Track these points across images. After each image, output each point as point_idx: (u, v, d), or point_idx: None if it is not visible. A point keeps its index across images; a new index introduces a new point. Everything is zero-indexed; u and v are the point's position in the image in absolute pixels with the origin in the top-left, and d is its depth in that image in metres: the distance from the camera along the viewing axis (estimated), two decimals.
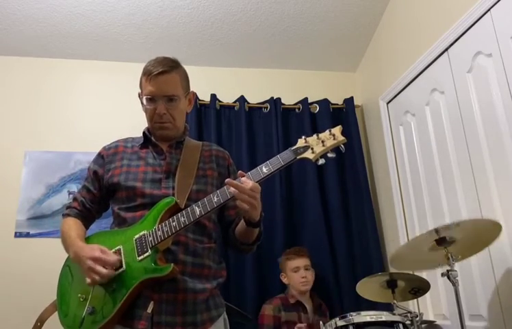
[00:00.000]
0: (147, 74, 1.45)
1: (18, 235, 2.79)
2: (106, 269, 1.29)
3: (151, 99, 1.45)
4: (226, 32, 3.09)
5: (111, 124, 3.00)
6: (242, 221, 1.41)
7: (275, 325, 2.43)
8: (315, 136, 1.31)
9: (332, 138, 1.30)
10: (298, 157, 1.30)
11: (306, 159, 1.29)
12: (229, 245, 1.56)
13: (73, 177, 2.93)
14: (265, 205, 2.86)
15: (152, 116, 1.48)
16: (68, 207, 1.55)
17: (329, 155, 1.30)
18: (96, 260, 1.29)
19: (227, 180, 1.28)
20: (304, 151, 1.29)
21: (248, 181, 1.26)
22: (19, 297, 2.62)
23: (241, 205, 1.27)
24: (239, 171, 1.31)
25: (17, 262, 2.71)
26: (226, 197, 1.29)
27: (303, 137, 1.32)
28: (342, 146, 1.32)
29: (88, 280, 1.31)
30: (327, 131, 1.31)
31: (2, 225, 2.78)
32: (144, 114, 1.52)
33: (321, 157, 1.30)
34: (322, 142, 1.29)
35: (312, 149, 1.29)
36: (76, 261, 1.37)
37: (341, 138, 1.31)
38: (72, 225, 1.47)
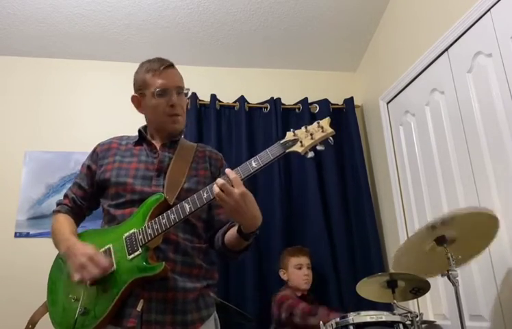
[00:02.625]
0: (154, 70, 1.47)
1: (18, 235, 2.80)
2: (97, 270, 1.27)
3: (163, 92, 1.46)
4: (226, 32, 3.09)
5: (111, 124, 2.99)
6: (235, 227, 1.38)
7: (297, 303, 2.40)
8: (303, 128, 1.29)
9: (320, 131, 1.28)
10: (287, 150, 1.28)
11: (295, 152, 1.28)
12: (214, 247, 1.52)
13: (73, 177, 2.90)
14: (265, 205, 2.90)
15: (164, 109, 1.47)
16: (59, 203, 1.54)
17: (318, 148, 1.28)
18: (91, 258, 1.27)
19: (217, 180, 1.25)
20: (293, 145, 1.28)
21: (239, 185, 1.23)
22: (19, 297, 2.62)
23: (223, 206, 1.25)
24: (227, 169, 1.27)
25: (17, 262, 2.72)
26: (214, 193, 1.26)
27: (292, 130, 1.30)
28: (331, 138, 1.29)
29: (77, 276, 1.28)
30: (315, 124, 1.29)
31: (2, 225, 2.78)
32: (149, 111, 1.51)
33: (310, 150, 1.28)
34: (311, 135, 1.27)
35: (301, 142, 1.27)
36: (68, 256, 1.34)
37: (329, 130, 1.28)
38: (64, 222, 1.47)
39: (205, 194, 1.29)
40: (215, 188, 1.23)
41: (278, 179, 2.98)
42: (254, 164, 1.27)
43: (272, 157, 1.27)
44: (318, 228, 2.94)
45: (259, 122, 3.19)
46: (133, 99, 1.54)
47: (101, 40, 3.05)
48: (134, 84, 1.54)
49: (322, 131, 1.28)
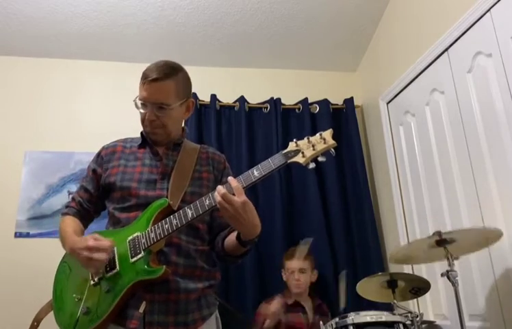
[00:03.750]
0: (143, 78, 1.45)
1: (18, 235, 2.80)
2: (103, 254, 1.29)
3: (143, 104, 1.46)
4: (226, 32, 3.09)
5: (111, 124, 3.00)
6: (235, 233, 1.40)
7: (275, 325, 2.43)
8: (305, 139, 1.32)
9: (322, 142, 1.31)
10: (288, 161, 1.31)
11: (296, 163, 1.30)
12: (214, 251, 1.54)
13: (73, 177, 2.93)
14: (265, 205, 2.90)
15: (143, 120, 1.49)
16: (67, 206, 1.56)
17: (319, 159, 1.31)
18: (91, 248, 1.29)
19: (219, 188, 1.26)
20: (295, 155, 1.30)
21: (240, 194, 1.25)
22: (19, 297, 2.62)
23: (223, 214, 1.27)
24: (229, 177, 1.30)
25: (17, 262, 2.71)
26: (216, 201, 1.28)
27: (294, 140, 1.33)
28: (333, 150, 1.32)
29: (91, 270, 1.33)
30: (318, 135, 1.32)
31: (2, 225, 2.78)
32: None
33: (311, 161, 1.30)
34: (313, 146, 1.30)
35: (303, 153, 1.30)
36: (72, 255, 1.38)
37: (331, 142, 1.31)
38: (70, 223, 1.48)
39: (207, 201, 1.31)
40: (217, 196, 1.25)
41: (279, 179, 2.98)
42: (256, 173, 1.30)
43: (274, 167, 1.30)
44: (318, 228, 2.93)
45: (259, 122, 3.19)
46: None
47: (101, 40, 3.05)
48: None
49: (324, 143, 1.31)
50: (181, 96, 1.50)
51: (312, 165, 1.30)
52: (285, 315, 2.46)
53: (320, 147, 1.30)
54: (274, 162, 1.30)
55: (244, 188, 1.27)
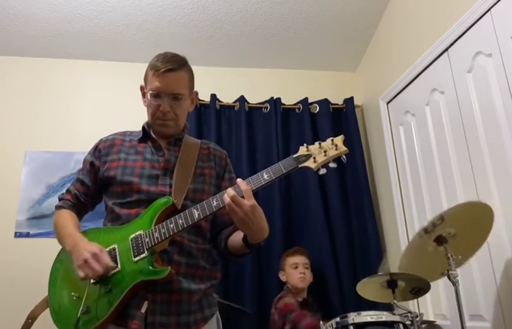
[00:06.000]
0: (155, 69, 1.42)
1: (18, 235, 2.80)
2: (100, 267, 1.26)
3: (156, 95, 1.43)
4: (226, 32, 3.09)
5: (111, 124, 2.97)
6: (240, 233, 1.38)
7: (302, 317, 2.42)
8: (317, 144, 1.30)
9: (334, 148, 1.29)
10: (299, 165, 1.29)
11: (307, 168, 1.29)
12: (216, 247, 1.52)
13: (73, 177, 2.90)
14: (265, 205, 2.88)
15: (155, 112, 1.46)
16: (61, 198, 1.52)
17: (331, 165, 1.29)
18: (94, 255, 1.27)
19: (228, 190, 1.25)
20: (306, 160, 1.29)
21: (250, 197, 1.23)
22: (19, 298, 2.62)
23: (232, 216, 1.26)
24: (238, 179, 1.28)
25: (17, 262, 2.71)
26: (225, 203, 1.26)
27: (305, 145, 1.31)
28: (344, 156, 1.31)
29: (81, 273, 1.28)
30: (329, 141, 1.30)
31: (2, 225, 2.78)
32: (146, 108, 1.50)
33: (322, 166, 1.29)
34: (325, 151, 1.28)
35: (314, 158, 1.28)
36: (72, 251, 1.33)
37: (343, 148, 1.30)
38: (68, 217, 1.45)
39: (214, 202, 1.29)
40: (226, 198, 1.23)
41: (279, 179, 2.97)
42: (265, 176, 1.28)
43: (284, 171, 1.29)
44: (318, 228, 2.93)
45: (259, 122, 3.19)
46: (141, 89, 1.53)
47: (101, 40, 3.05)
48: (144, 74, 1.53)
49: (336, 149, 1.29)
50: (190, 88, 1.50)
51: (323, 171, 1.29)
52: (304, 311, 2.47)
53: (332, 152, 1.29)
54: (284, 166, 1.28)
55: (253, 191, 1.25)
